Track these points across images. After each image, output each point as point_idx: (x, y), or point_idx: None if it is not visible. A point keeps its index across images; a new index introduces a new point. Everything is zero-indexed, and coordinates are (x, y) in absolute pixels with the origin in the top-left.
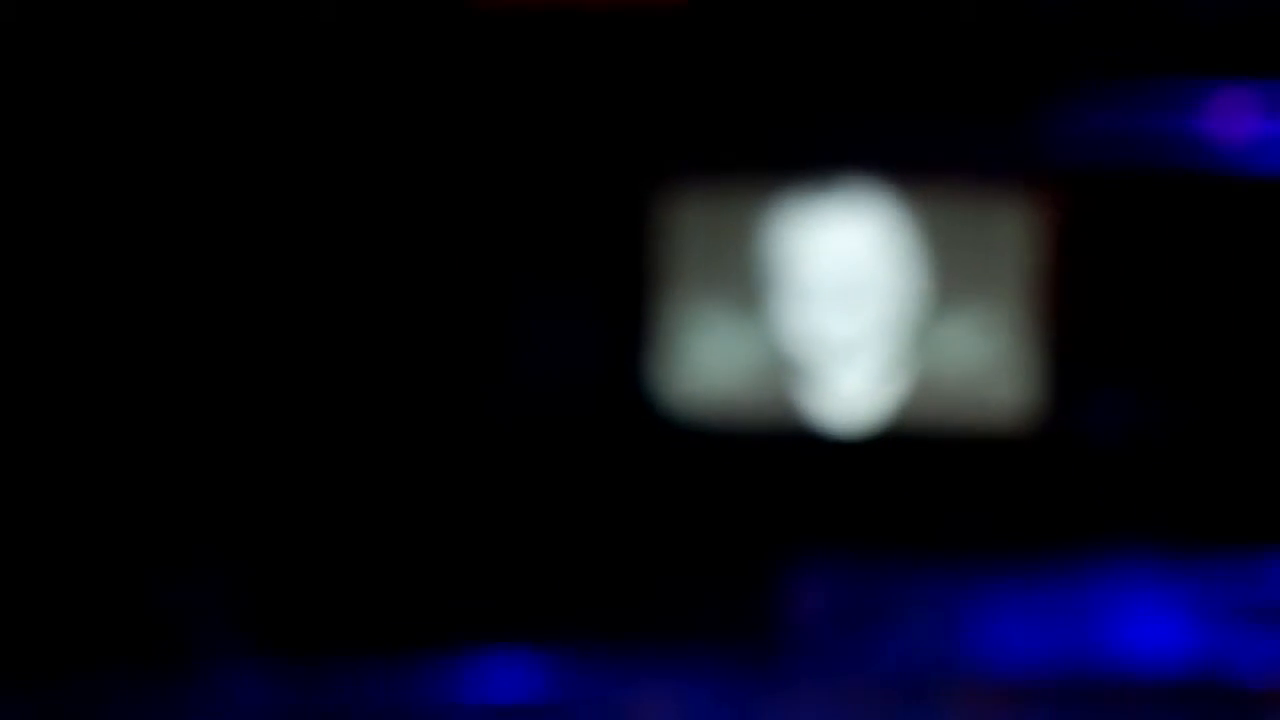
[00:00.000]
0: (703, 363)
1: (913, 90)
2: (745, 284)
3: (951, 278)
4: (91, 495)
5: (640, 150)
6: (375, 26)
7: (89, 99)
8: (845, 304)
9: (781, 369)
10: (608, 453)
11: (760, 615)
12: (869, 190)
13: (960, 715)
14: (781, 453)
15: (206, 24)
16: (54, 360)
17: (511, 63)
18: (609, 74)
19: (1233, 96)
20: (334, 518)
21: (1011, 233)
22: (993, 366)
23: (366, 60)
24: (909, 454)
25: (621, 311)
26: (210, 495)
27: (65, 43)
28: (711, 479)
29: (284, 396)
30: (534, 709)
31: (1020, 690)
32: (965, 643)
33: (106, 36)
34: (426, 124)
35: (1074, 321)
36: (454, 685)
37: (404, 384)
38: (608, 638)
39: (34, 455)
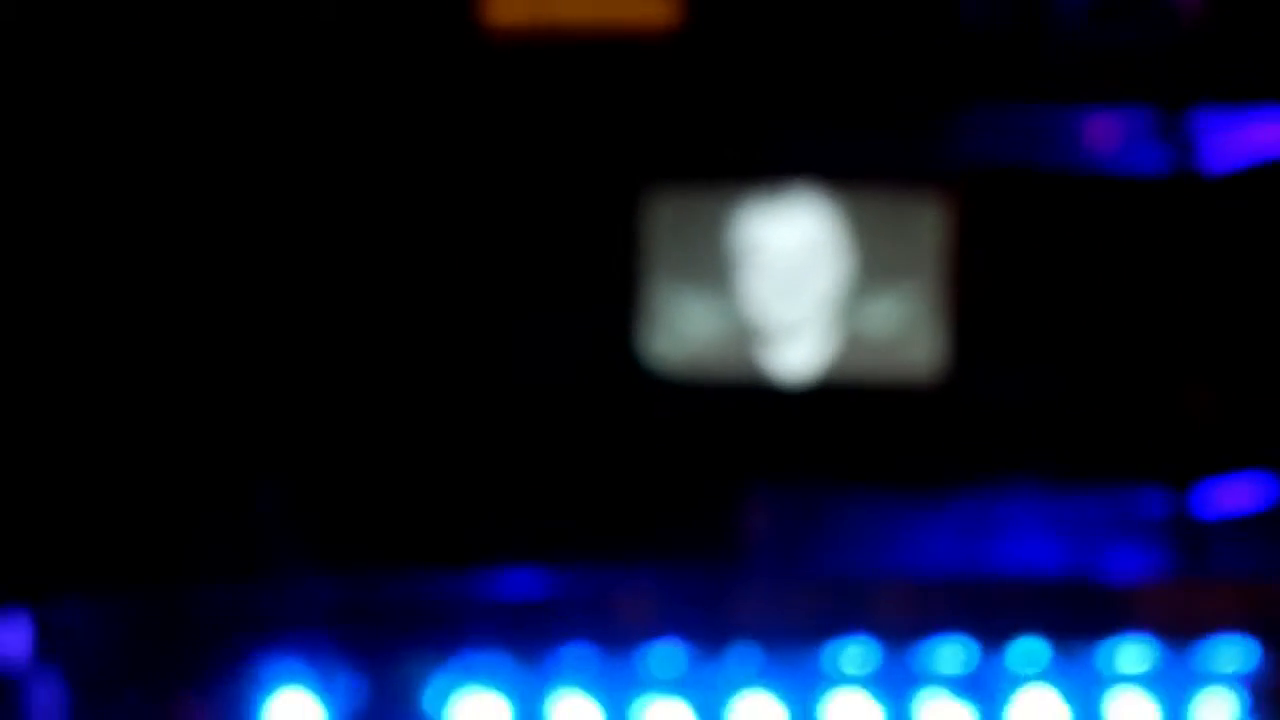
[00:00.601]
0: (681, 330)
1: (846, 109)
2: (714, 268)
3: (876, 261)
4: (182, 430)
5: (631, 159)
6: (394, 52)
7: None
8: (791, 286)
9: (742, 335)
10: (605, 403)
11: (724, 532)
12: (810, 192)
13: (882, 608)
14: (742, 402)
15: (215, 46)
16: (135, 317)
17: (525, 87)
18: (607, 95)
19: (1103, 115)
20: (380, 461)
21: (924, 225)
22: (909, 333)
23: (384, 80)
24: (843, 403)
25: (617, 290)
26: (281, 434)
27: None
28: (688, 423)
29: (338, 365)
30: (539, 605)
31: (930, 588)
32: (887, 554)
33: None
34: (447, 137)
35: (974, 297)
36: (474, 589)
37: (441, 350)
38: (601, 551)
39: (124, 404)
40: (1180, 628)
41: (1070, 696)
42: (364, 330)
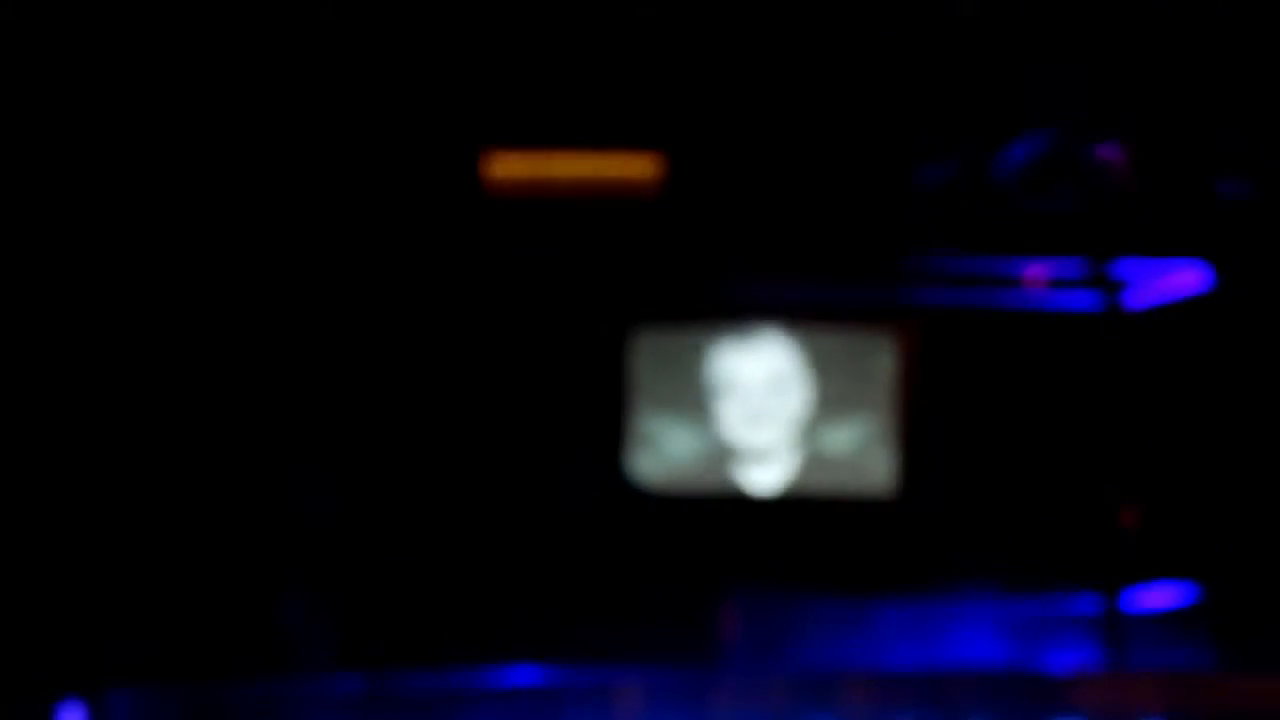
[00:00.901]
0: (664, 452)
1: (808, 258)
2: (693, 399)
3: (835, 392)
4: (221, 545)
5: (618, 303)
6: (404, 203)
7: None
8: (761, 413)
9: (718, 456)
10: (598, 519)
11: (704, 632)
12: (777, 332)
13: (847, 698)
14: (719, 515)
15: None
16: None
17: (522, 237)
18: (596, 245)
19: (1036, 263)
20: (398, 571)
21: (878, 360)
22: (865, 454)
23: (396, 229)
24: (807, 516)
25: (608, 418)
26: (310, 550)
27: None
28: (671, 535)
29: (360, 492)
30: (540, 691)
31: (889, 680)
32: (850, 651)
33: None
34: (456, 282)
35: (923, 423)
36: (479, 682)
37: (453, 475)
38: (595, 649)
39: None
40: (1110, 714)
41: None
42: (384, 458)
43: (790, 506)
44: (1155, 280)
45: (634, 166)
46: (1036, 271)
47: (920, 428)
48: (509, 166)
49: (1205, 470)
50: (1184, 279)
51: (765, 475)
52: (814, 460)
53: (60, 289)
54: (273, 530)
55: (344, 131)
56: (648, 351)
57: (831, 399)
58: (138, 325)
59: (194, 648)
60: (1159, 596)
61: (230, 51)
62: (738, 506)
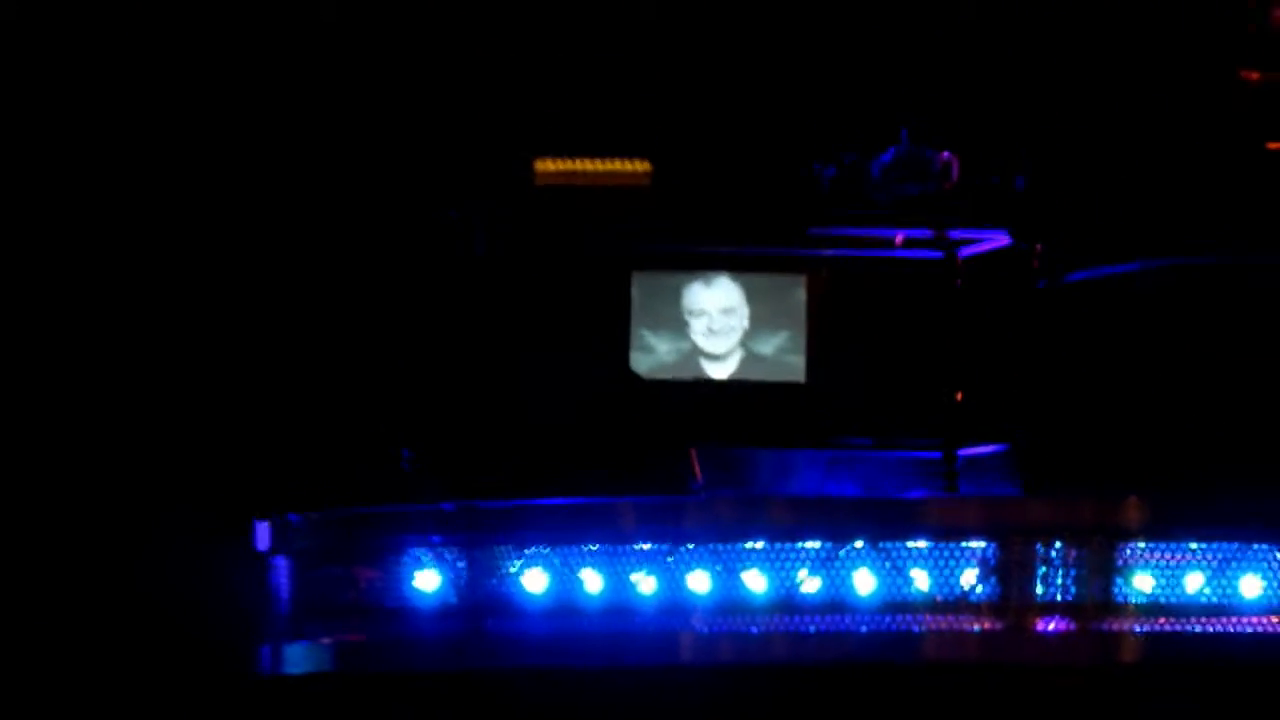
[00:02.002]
0: (653, 354)
1: (749, 230)
2: (673, 320)
3: (766, 314)
4: (364, 425)
5: (623, 257)
6: (469, 192)
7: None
8: (717, 331)
9: (690, 357)
10: (612, 396)
11: (680, 470)
12: (728, 277)
13: (775, 514)
14: (689, 395)
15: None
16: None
17: (559, 214)
18: (608, 219)
19: (896, 230)
20: (476, 442)
21: (794, 294)
22: (784, 355)
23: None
24: (746, 395)
25: (618, 332)
26: (419, 427)
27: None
28: (657, 407)
29: (455, 392)
30: (572, 508)
31: (804, 503)
32: (777, 484)
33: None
34: (511, 251)
35: (823, 335)
36: (529, 509)
37: (517, 370)
38: (608, 482)
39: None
40: (949, 527)
41: (877, 570)
42: (476, 358)
43: (735, 389)
44: (974, 240)
45: (634, 168)
46: (897, 236)
47: (821, 339)
48: (551, 167)
49: (1011, 364)
50: (993, 239)
51: (720, 369)
52: (751, 359)
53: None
54: (396, 417)
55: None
56: (643, 288)
57: (763, 320)
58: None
59: (342, 487)
60: (980, 448)
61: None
62: (702, 389)
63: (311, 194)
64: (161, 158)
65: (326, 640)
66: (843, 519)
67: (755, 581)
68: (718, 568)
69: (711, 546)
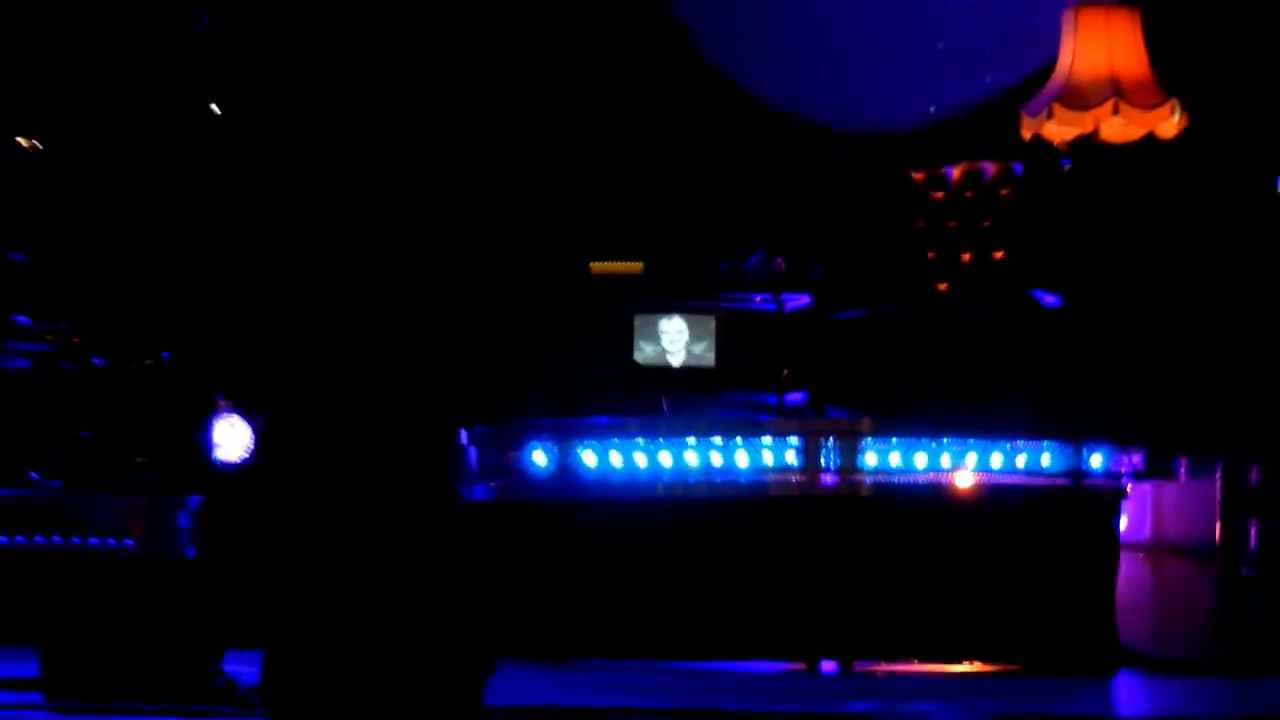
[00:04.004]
0: (644, 353)
1: (690, 294)
2: (654, 336)
3: (696, 334)
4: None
5: (629, 304)
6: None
7: None
8: (674, 341)
9: (660, 354)
10: (619, 374)
11: (656, 406)
12: (679, 318)
13: (705, 429)
14: (660, 373)
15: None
16: None
17: (594, 292)
18: (617, 289)
19: (762, 295)
20: (559, 392)
21: (709, 324)
22: (705, 354)
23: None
24: (687, 373)
25: (626, 342)
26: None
27: None
28: (644, 377)
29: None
30: (595, 426)
31: (733, 422)
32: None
33: None
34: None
35: (726, 344)
36: (582, 422)
37: (566, 349)
38: (616, 411)
39: None
40: (781, 433)
41: (750, 452)
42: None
43: (682, 369)
44: (796, 299)
45: (636, 267)
46: (763, 298)
47: (725, 347)
48: (598, 266)
49: (817, 357)
50: (802, 299)
51: (675, 360)
52: (689, 356)
53: None
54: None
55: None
56: (638, 322)
57: (695, 336)
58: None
59: (501, 409)
60: (798, 395)
61: None
62: (666, 369)
63: None
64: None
65: (492, 484)
66: (731, 428)
67: (691, 457)
68: (673, 451)
69: (670, 440)
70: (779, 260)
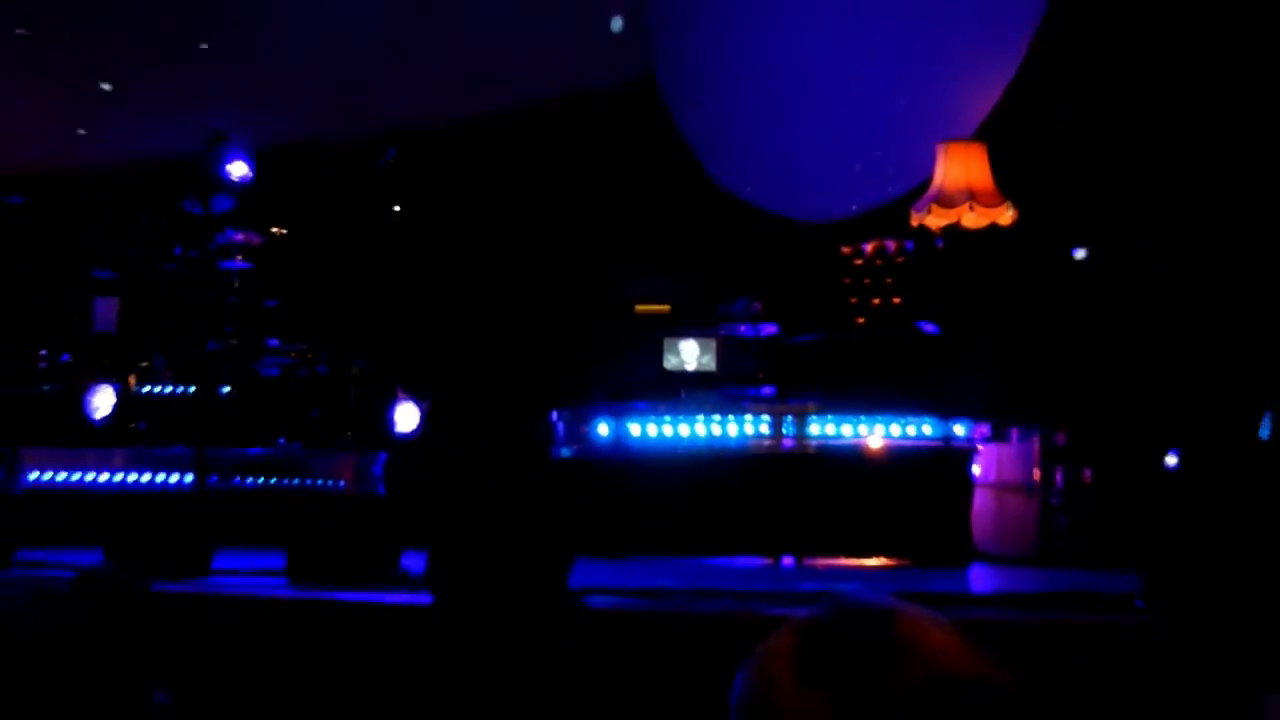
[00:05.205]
0: (672, 362)
1: (697, 326)
2: (674, 350)
3: (702, 350)
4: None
5: (660, 331)
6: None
7: None
8: (685, 354)
9: (679, 362)
10: (654, 375)
11: (678, 394)
12: (694, 338)
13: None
14: (681, 374)
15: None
16: None
17: (645, 340)
18: (661, 335)
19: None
20: (613, 379)
21: (714, 345)
22: (711, 362)
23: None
24: (700, 375)
25: (658, 353)
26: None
27: None
28: (671, 375)
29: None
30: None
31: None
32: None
33: None
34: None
35: (724, 358)
36: (630, 406)
37: (622, 357)
38: (652, 396)
39: None
40: (755, 413)
41: (738, 425)
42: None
43: (694, 373)
44: (768, 328)
45: (664, 308)
46: (746, 328)
47: (722, 358)
48: (640, 307)
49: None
50: (771, 329)
51: (689, 367)
52: (699, 364)
53: None
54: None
55: None
56: (667, 343)
57: (703, 351)
58: None
59: (578, 394)
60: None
61: None
62: (684, 373)
63: None
64: None
65: (574, 447)
66: (726, 409)
67: (700, 429)
68: (688, 424)
69: (686, 417)
70: (757, 304)
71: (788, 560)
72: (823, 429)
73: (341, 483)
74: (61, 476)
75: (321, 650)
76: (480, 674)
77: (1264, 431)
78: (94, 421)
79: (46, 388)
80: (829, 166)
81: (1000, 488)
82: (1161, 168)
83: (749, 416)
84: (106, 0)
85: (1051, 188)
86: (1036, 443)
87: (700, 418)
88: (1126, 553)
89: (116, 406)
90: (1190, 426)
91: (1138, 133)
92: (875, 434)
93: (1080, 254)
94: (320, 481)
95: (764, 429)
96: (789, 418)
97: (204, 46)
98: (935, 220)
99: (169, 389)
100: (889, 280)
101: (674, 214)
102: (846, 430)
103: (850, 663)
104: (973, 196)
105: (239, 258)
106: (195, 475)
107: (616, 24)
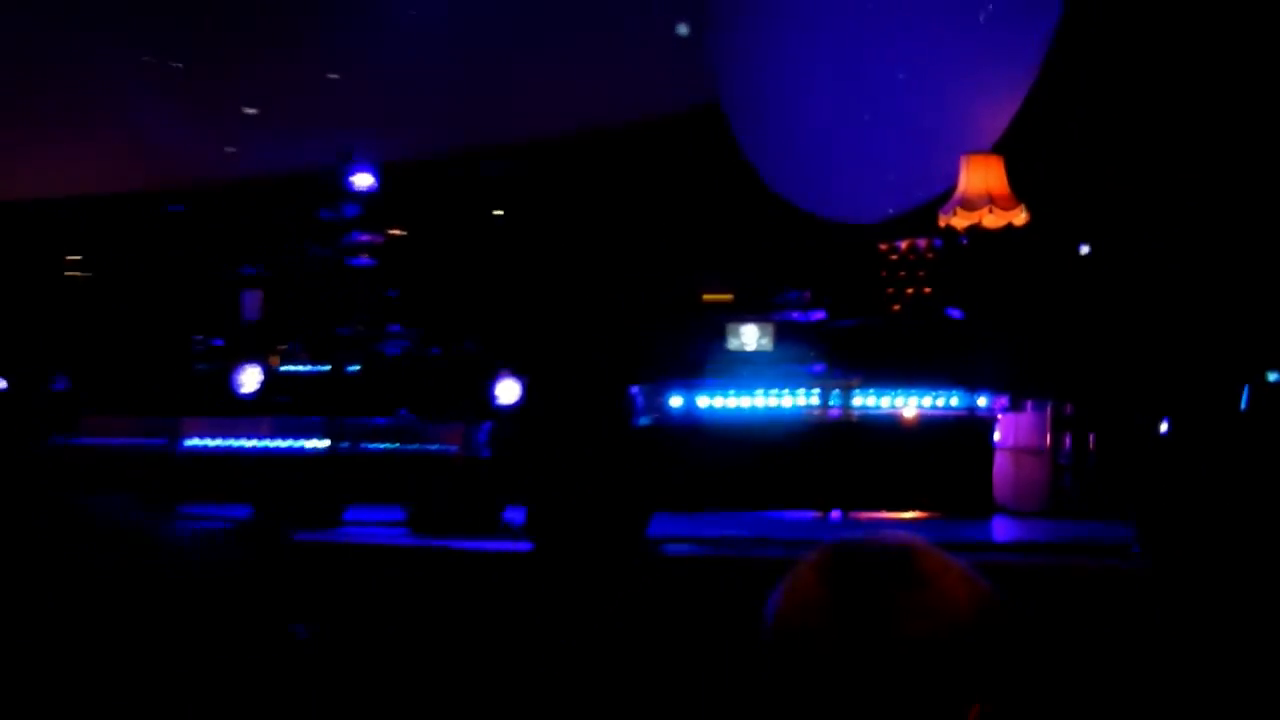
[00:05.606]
0: (733, 344)
1: (756, 313)
2: (737, 334)
3: (763, 333)
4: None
5: (723, 316)
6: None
7: None
8: (744, 336)
9: (739, 344)
10: (718, 352)
11: (739, 372)
12: (754, 323)
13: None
14: (741, 355)
15: None
16: None
17: (711, 313)
18: (722, 325)
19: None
20: (667, 367)
21: (770, 328)
22: (767, 343)
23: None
24: (751, 355)
25: (721, 336)
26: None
27: None
28: (728, 353)
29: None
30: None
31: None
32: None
33: None
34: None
35: (778, 339)
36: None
37: (679, 337)
38: (703, 385)
39: None
40: (807, 387)
41: (794, 397)
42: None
43: (753, 353)
44: (816, 314)
45: (728, 297)
46: (798, 314)
47: (777, 341)
48: (706, 296)
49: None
50: (819, 315)
51: (749, 348)
52: (758, 345)
53: None
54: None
55: None
56: (730, 328)
57: (761, 334)
58: None
59: (649, 374)
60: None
61: None
62: (744, 353)
63: None
64: None
65: (652, 417)
66: (781, 384)
67: (760, 400)
68: (749, 396)
69: (748, 390)
70: (807, 293)
71: (835, 513)
72: (864, 401)
73: (453, 447)
74: (216, 443)
75: (436, 590)
76: (572, 610)
77: (1243, 403)
78: (243, 396)
79: (203, 367)
80: (869, 176)
81: (1017, 451)
82: (1161, 168)
83: (801, 390)
84: (252, 37)
85: (1058, 193)
86: (1048, 412)
87: (759, 391)
88: (1125, 506)
89: (262, 383)
90: (1180, 398)
91: (1136, 139)
92: (909, 405)
93: (1085, 250)
94: (435, 447)
95: (814, 401)
96: (835, 391)
97: (334, 77)
98: (960, 221)
99: (306, 368)
100: (920, 273)
101: (736, 217)
102: (885, 402)
103: (872, 580)
104: (992, 200)
105: (365, 256)
106: (329, 441)
107: (682, 29)
